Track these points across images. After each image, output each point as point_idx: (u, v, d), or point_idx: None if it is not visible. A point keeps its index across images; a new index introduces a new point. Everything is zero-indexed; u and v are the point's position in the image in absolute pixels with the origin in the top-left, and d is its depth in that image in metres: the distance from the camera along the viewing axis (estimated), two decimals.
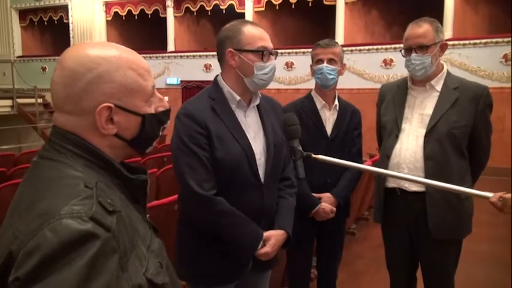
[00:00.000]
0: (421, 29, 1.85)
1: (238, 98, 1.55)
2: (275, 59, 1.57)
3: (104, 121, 0.80)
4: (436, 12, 5.96)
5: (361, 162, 2.17)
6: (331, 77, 2.05)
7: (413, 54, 1.85)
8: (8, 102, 9.88)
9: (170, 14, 10.26)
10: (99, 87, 0.79)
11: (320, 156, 1.28)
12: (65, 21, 11.27)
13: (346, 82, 8.16)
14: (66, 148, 0.79)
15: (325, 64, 2.05)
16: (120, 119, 0.82)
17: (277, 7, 9.16)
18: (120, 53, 0.83)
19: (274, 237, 1.57)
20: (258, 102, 1.61)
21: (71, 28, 11.05)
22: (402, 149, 1.92)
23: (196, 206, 1.50)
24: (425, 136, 1.87)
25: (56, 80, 0.80)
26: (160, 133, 0.91)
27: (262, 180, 1.55)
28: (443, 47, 1.89)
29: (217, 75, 1.62)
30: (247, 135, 1.54)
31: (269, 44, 1.54)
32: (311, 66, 2.12)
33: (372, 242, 3.81)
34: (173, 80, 10.18)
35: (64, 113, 0.81)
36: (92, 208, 0.70)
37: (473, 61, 7.43)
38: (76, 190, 0.72)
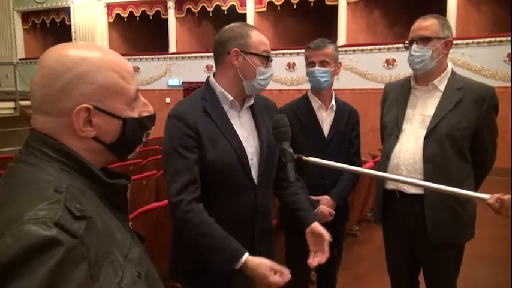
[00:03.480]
0: (426, 22, 1.83)
1: (231, 98, 1.53)
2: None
3: (81, 123, 0.78)
4: (438, 12, 5.89)
5: (359, 163, 2.14)
6: (324, 79, 2.02)
7: (414, 45, 1.83)
8: (11, 104, 9.88)
9: (172, 15, 10.26)
10: (78, 88, 0.77)
11: (311, 159, 1.24)
12: (67, 23, 11.30)
13: (348, 82, 8.12)
14: (42, 151, 0.77)
15: (316, 67, 2.02)
16: (99, 122, 0.79)
17: (279, 7, 9.14)
18: (102, 54, 0.81)
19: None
20: (251, 102, 1.59)
21: (73, 30, 11.09)
22: (402, 150, 1.88)
23: (170, 210, 1.47)
24: (425, 137, 1.83)
25: (35, 79, 0.78)
26: (144, 139, 0.88)
27: (255, 181, 1.53)
28: (448, 44, 1.85)
29: (209, 76, 1.60)
30: (239, 136, 1.52)
31: (270, 51, 1.55)
32: (306, 67, 2.10)
33: (375, 244, 3.76)
34: (175, 81, 10.18)
35: (42, 114, 0.79)
36: (57, 213, 0.66)
37: (476, 60, 7.36)
38: (45, 195, 0.69)
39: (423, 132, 1.84)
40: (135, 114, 0.85)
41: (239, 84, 1.53)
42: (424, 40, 1.81)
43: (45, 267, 0.61)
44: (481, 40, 7.40)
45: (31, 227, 0.63)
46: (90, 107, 0.77)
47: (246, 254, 1.39)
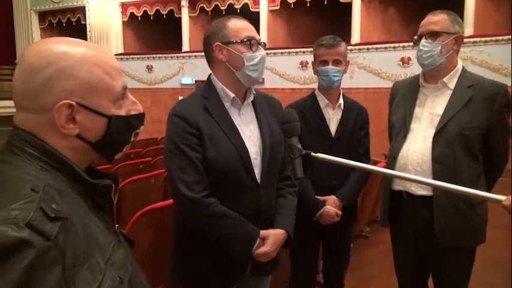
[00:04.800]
0: (435, 17, 1.78)
1: (233, 95, 1.51)
2: (264, 50, 1.53)
3: (63, 120, 0.75)
4: (456, 9, 5.74)
5: (368, 163, 2.08)
6: (337, 78, 1.98)
7: (423, 40, 1.77)
8: None
9: (185, 14, 10.28)
10: (60, 83, 0.74)
11: (320, 155, 1.19)
12: (83, 22, 11.44)
13: (362, 81, 8.01)
14: (22, 150, 0.74)
15: (330, 66, 1.97)
16: (82, 119, 0.77)
17: (292, 6, 9.05)
18: (86, 49, 0.78)
19: (272, 235, 1.51)
20: (252, 98, 1.56)
21: (88, 29, 11.20)
22: (409, 150, 1.82)
23: (186, 209, 1.46)
24: (434, 137, 1.76)
25: (16, 74, 0.76)
26: (132, 139, 0.85)
27: (258, 180, 1.50)
28: (459, 40, 1.78)
29: (210, 74, 1.57)
30: (241, 134, 1.49)
31: (255, 35, 1.50)
32: (313, 64, 2.05)
33: (385, 245, 3.65)
34: (188, 80, 10.19)
35: (22, 111, 0.76)
36: (30, 213, 0.63)
37: (495, 59, 7.15)
38: (20, 194, 0.66)
39: (432, 131, 1.77)
40: (122, 113, 0.82)
41: (234, 78, 1.50)
42: (433, 35, 1.75)
43: (15, 270, 0.58)
44: (500, 38, 7.18)
45: (1, 227, 0.60)
46: (73, 103, 0.75)
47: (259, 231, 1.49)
